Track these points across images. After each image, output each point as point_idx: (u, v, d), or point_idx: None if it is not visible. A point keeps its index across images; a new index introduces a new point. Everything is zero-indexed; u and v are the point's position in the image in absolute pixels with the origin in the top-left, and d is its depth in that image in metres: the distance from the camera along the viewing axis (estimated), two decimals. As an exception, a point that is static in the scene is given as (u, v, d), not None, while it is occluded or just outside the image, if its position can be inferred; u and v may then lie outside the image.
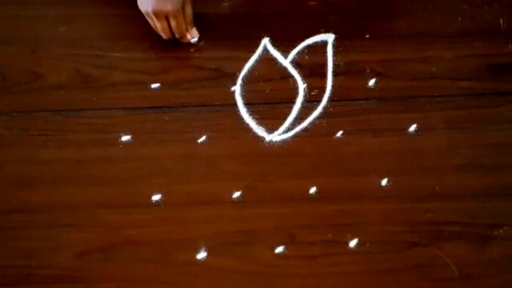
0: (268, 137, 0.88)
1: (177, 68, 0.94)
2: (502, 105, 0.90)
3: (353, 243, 0.80)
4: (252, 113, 0.89)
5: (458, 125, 0.89)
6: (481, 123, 0.89)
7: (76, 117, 0.89)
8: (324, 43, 0.95)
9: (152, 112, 0.90)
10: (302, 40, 0.95)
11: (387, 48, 0.95)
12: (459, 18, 0.97)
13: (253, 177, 0.85)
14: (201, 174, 0.85)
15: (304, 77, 0.92)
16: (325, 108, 0.90)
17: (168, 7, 0.88)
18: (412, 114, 0.89)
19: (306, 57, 0.94)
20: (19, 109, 0.90)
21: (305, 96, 0.91)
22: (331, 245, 0.81)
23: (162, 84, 0.92)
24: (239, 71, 0.93)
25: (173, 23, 0.91)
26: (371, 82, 0.92)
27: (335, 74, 0.93)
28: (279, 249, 0.80)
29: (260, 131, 0.88)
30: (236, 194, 0.84)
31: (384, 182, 0.84)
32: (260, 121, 0.89)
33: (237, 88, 0.91)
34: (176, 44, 0.95)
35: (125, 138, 0.87)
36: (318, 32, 0.96)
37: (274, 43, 0.95)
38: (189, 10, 0.92)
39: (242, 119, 0.89)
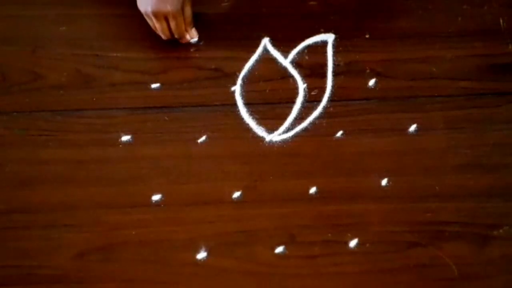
0: (268, 137, 0.88)
1: (177, 68, 0.94)
2: (502, 105, 0.90)
3: (353, 243, 0.80)
4: (252, 113, 0.89)
5: (458, 125, 0.89)
6: (481, 123, 0.89)
7: (76, 117, 0.89)
8: (324, 43, 0.95)
9: (152, 112, 0.90)
10: (302, 40, 0.95)
11: (387, 48, 0.95)
12: (459, 18, 0.97)
13: (253, 177, 0.85)
14: (201, 174, 0.85)
15: (304, 77, 0.92)
16: (325, 108, 0.90)
17: (168, 7, 0.88)
18: (412, 114, 0.89)
19: (306, 57, 0.94)
20: (19, 109, 0.90)
21: (305, 96, 0.91)
22: (331, 245, 0.81)
23: (162, 84, 0.92)
24: (239, 71, 0.93)
25: (172, 24, 0.91)
26: (371, 82, 0.92)
27: (335, 74, 0.93)
28: (279, 249, 0.80)
29: (260, 131, 0.88)
30: (236, 194, 0.84)
31: (384, 182, 0.84)
32: (260, 121, 0.89)
33: (237, 88, 0.91)
34: (176, 44, 0.95)
35: (125, 138, 0.87)
36: (318, 32, 0.96)
37: (274, 43, 0.95)
38: (188, 11, 0.92)
39: (242, 119, 0.89)
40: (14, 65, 0.93)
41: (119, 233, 0.81)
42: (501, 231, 0.81)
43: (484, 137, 0.88)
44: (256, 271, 0.79)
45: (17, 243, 0.81)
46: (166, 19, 0.90)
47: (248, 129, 0.88)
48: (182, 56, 0.94)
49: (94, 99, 0.90)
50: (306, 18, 0.98)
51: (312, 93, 0.91)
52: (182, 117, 0.89)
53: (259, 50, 0.94)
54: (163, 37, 0.93)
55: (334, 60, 0.94)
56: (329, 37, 0.95)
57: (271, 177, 0.85)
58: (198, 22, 0.95)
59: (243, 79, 0.92)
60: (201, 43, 0.95)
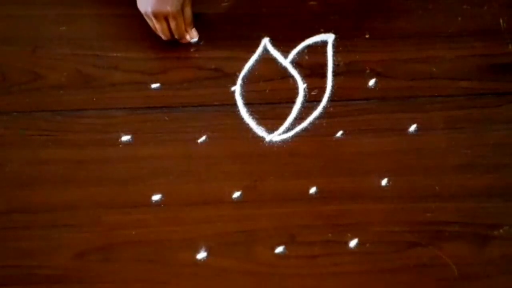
0: (268, 137, 0.88)
1: (177, 68, 0.94)
2: (502, 105, 0.90)
3: (353, 243, 0.80)
4: (252, 113, 0.89)
5: (458, 125, 0.89)
6: (481, 123, 0.89)
7: (76, 117, 0.89)
8: (324, 43, 0.95)
9: (152, 112, 0.90)
10: (302, 40, 0.95)
11: (387, 48, 0.95)
12: (459, 18, 0.97)
13: (253, 177, 0.85)
14: (201, 174, 0.85)
15: (304, 77, 0.92)
16: (325, 108, 0.90)
17: (168, 8, 0.88)
18: (412, 114, 0.89)
19: (306, 57, 0.94)
20: (19, 109, 0.90)
21: (305, 96, 0.91)
22: (331, 245, 0.81)
23: (162, 84, 0.92)
24: (239, 71, 0.93)
25: (172, 24, 0.91)
26: (371, 82, 0.92)
27: (335, 74, 0.93)
28: (279, 249, 0.80)
29: (260, 131, 0.88)
30: (236, 194, 0.84)
31: (384, 182, 0.84)
32: (260, 121, 0.89)
33: (237, 88, 0.91)
34: (176, 44, 0.95)
35: (125, 138, 0.87)
36: (318, 32, 0.96)
37: (274, 43, 0.95)
38: (188, 11, 0.92)
39: (242, 119, 0.89)
40: (14, 65, 0.93)
41: (119, 233, 0.81)
42: (501, 231, 0.81)
43: (484, 137, 0.88)
44: (256, 271, 0.79)
45: (17, 243, 0.81)
46: (166, 20, 0.90)
47: (248, 129, 0.88)
48: (182, 56, 0.94)
49: (94, 99, 0.90)
50: (306, 18, 0.98)
51: (312, 93, 0.91)
52: (182, 117, 0.89)
53: (259, 50, 0.94)
54: (163, 37, 0.93)
55: (334, 60, 0.94)
56: (329, 37, 0.95)
57: (271, 177, 0.85)
58: (198, 22, 0.95)
59: (243, 79, 0.92)
60: (201, 43, 0.95)
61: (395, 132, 0.88)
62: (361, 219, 0.82)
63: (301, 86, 0.92)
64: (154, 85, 0.92)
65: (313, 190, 0.84)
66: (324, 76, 0.92)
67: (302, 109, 0.90)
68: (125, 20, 0.96)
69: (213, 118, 0.89)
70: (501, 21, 0.97)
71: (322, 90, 0.91)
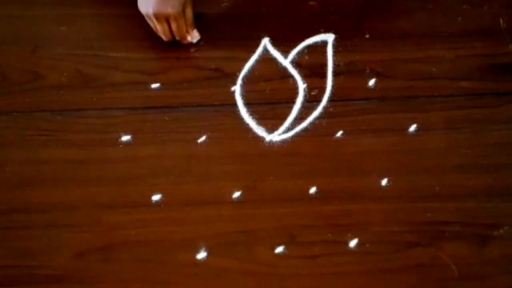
0: (268, 137, 0.88)
1: (177, 68, 0.94)
2: (502, 105, 0.90)
3: (353, 243, 0.80)
4: (252, 113, 0.89)
5: (458, 125, 0.89)
6: (481, 123, 0.89)
7: (76, 117, 0.89)
8: (324, 43, 0.95)
9: (152, 112, 0.90)
10: (302, 40, 0.95)
11: (387, 48, 0.95)
12: (459, 18, 0.97)
13: (253, 177, 0.85)
14: (201, 174, 0.85)
15: (304, 77, 0.92)
16: (325, 108, 0.90)
17: (169, 9, 0.88)
18: (412, 114, 0.89)
19: (306, 57, 0.94)
20: (19, 109, 0.90)
21: (305, 96, 0.91)
22: (331, 245, 0.81)
23: (162, 84, 0.92)
24: (239, 71, 0.93)
25: (173, 25, 0.91)
26: (371, 82, 0.92)
27: (335, 74, 0.93)
28: (279, 249, 0.80)
29: (260, 131, 0.88)
30: (236, 194, 0.84)
31: (384, 182, 0.84)
32: (260, 121, 0.89)
33: (237, 88, 0.91)
34: (176, 44, 0.95)
35: (125, 138, 0.87)
36: (318, 32, 0.96)
37: (274, 43, 0.95)
38: (189, 12, 0.92)
39: (242, 119, 0.89)
40: (14, 65, 0.93)
41: (119, 233, 0.81)
42: (501, 231, 0.81)
43: (484, 137, 0.88)
44: (256, 271, 0.79)
45: (17, 243, 0.81)
46: (167, 21, 0.90)
47: (248, 129, 0.88)
48: (182, 56, 0.94)
49: (94, 99, 0.90)
50: (306, 18, 0.98)
51: (312, 93, 0.91)
52: (182, 117, 0.89)
53: (259, 50, 0.94)
54: (164, 38, 0.93)
55: (334, 60, 0.94)
56: (329, 37, 0.95)
57: (271, 177, 0.85)
58: (198, 22, 0.95)
59: (243, 79, 0.92)
60: (201, 43, 0.95)
61: (395, 132, 0.88)
62: (361, 219, 0.82)
63: (301, 86, 0.92)
64: (154, 85, 0.92)
65: (313, 190, 0.84)
66: (324, 76, 0.92)
67: (302, 109, 0.90)
68: (125, 20, 0.96)
69: (213, 118, 0.89)
70: (501, 21, 0.97)
71: (322, 90, 0.91)
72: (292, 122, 0.89)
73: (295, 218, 0.82)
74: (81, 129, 0.88)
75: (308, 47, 0.95)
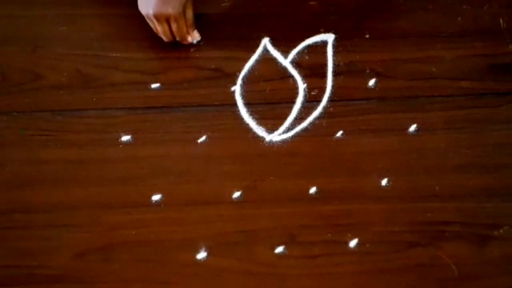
0: (268, 137, 0.88)
1: (177, 68, 0.94)
2: (502, 105, 0.90)
3: (353, 243, 0.80)
4: (252, 113, 0.89)
5: (458, 125, 0.89)
6: (481, 123, 0.89)
7: (76, 117, 0.89)
8: (324, 43, 0.95)
9: (152, 112, 0.90)
10: (302, 40, 0.95)
11: (387, 48, 0.95)
12: (459, 18, 0.97)
13: (253, 177, 0.85)
14: (201, 174, 0.85)
15: (304, 77, 0.92)
16: (325, 108, 0.90)
17: (169, 10, 0.88)
18: (412, 114, 0.89)
19: (306, 57, 0.94)
20: (19, 109, 0.90)
21: (305, 96, 0.91)
22: (331, 245, 0.81)
23: (162, 84, 0.92)
24: (239, 71, 0.93)
25: (174, 26, 0.91)
26: (371, 82, 0.92)
27: (335, 74, 0.93)
28: (279, 249, 0.80)
29: (260, 131, 0.88)
30: (236, 194, 0.84)
31: (384, 182, 0.84)
32: (260, 121, 0.89)
33: (237, 88, 0.91)
34: (176, 44, 0.94)
35: (125, 138, 0.87)
36: (318, 32, 0.96)
37: (274, 43, 0.95)
38: (189, 13, 0.92)
39: (242, 119, 0.89)
40: (14, 65, 0.93)
41: (119, 233, 0.81)
42: (501, 231, 0.81)
43: (484, 137, 0.88)
44: (256, 271, 0.79)
45: (17, 243, 0.81)
46: (168, 22, 0.90)
47: (248, 129, 0.88)
48: (182, 56, 0.94)
49: (94, 99, 0.90)
50: (306, 18, 0.98)
51: (312, 93, 0.91)
52: (182, 117, 0.89)
53: (259, 50, 0.94)
54: (164, 39, 0.93)
55: (334, 60, 0.94)
56: (329, 37, 0.95)
57: (271, 177, 0.85)
58: (198, 22, 0.95)
59: (243, 79, 0.92)
60: (201, 43, 0.95)
61: (395, 132, 0.88)
62: (361, 219, 0.82)
63: (301, 86, 0.92)
64: (154, 85, 0.92)
65: (313, 190, 0.84)
66: (324, 76, 0.92)
67: (302, 109, 0.90)
68: (125, 20, 0.96)
69: (213, 118, 0.89)
70: (501, 21, 0.97)
71: (322, 90, 0.91)
72: (292, 122, 0.89)
73: (295, 218, 0.82)
74: (81, 129, 0.88)
75: (308, 47, 0.95)
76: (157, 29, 0.92)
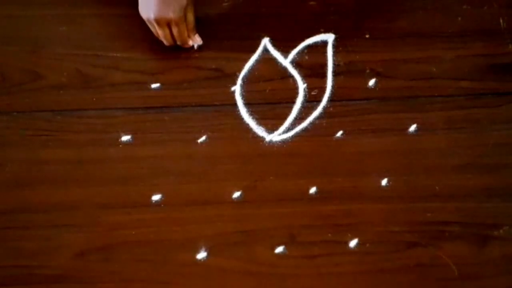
0: (268, 137, 0.88)
1: (177, 68, 0.94)
2: (502, 105, 0.90)
3: (353, 243, 0.80)
4: (252, 113, 0.89)
5: (458, 125, 0.89)
6: (481, 123, 0.89)
7: (76, 117, 0.89)
8: (324, 43, 0.95)
9: (152, 112, 0.90)
10: (302, 40, 0.95)
11: (387, 48, 0.95)
12: (459, 18, 0.97)
13: (253, 177, 0.85)
14: (201, 174, 0.85)
15: (304, 77, 0.92)
16: (325, 108, 0.90)
17: (170, 14, 0.88)
18: (412, 114, 0.89)
19: (306, 57, 0.94)
20: (19, 109, 0.90)
21: (305, 96, 0.91)
22: (331, 245, 0.81)
23: (162, 84, 0.92)
24: (239, 71, 0.93)
25: (175, 30, 0.90)
26: (371, 82, 0.92)
27: (335, 74, 0.93)
28: (279, 249, 0.80)
29: (260, 131, 0.88)
30: (236, 194, 0.84)
31: (384, 182, 0.84)
32: (260, 121, 0.89)
33: (237, 88, 0.91)
34: (177, 46, 0.94)
35: (125, 138, 0.87)
36: (318, 32, 0.96)
37: (274, 43, 0.95)
38: (191, 17, 0.91)
39: (242, 119, 0.89)
40: (14, 65, 0.93)
41: (119, 233, 0.81)
42: (501, 231, 0.81)
43: (484, 137, 0.88)
44: (256, 271, 0.79)
45: (17, 243, 0.81)
46: (169, 26, 0.90)
47: (248, 129, 0.88)
48: (182, 56, 0.94)
49: (94, 99, 0.90)
50: (306, 18, 0.98)
51: (312, 93, 0.91)
52: (182, 117, 0.89)
53: (259, 50, 0.94)
54: (165, 43, 0.93)
55: (334, 60, 0.94)
56: (329, 37, 0.95)
57: (271, 177, 0.85)
58: (198, 22, 0.95)
59: (243, 79, 0.92)
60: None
61: (395, 132, 0.88)
62: (361, 219, 0.82)
63: (301, 86, 0.92)
64: (154, 85, 0.92)
65: (313, 190, 0.84)
66: (324, 76, 0.92)
67: (302, 109, 0.90)
68: (125, 20, 0.96)
69: (213, 118, 0.89)
70: (501, 21, 0.97)
71: (322, 90, 0.91)
72: (292, 122, 0.89)
73: (295, 218, 0.82)
74: (81, 129, 0.88)
75: (308, 47, 0.95)
76: (158, 33, 0.92)
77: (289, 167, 0.86)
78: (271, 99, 0.91)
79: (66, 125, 0.88)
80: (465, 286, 0.79)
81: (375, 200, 0.83)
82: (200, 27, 0.95)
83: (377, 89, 0.91)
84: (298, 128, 0.88)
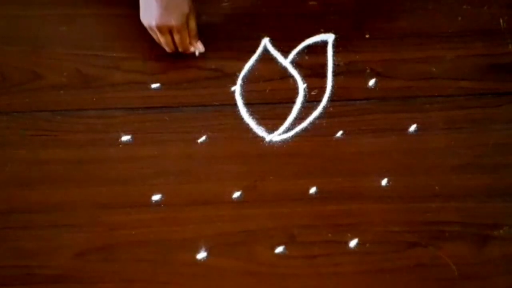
0: (268, 137, 0.88)
1: (177, 68, 0.94)
2: (502, 105, 0.90)
3: (353, 243, 0.80)
4: (252, 113, 0.89)
5: (458, 125, 0.89)
6: (481, 123, 0.89)
7: (76, 117, 0.89)
8: (324, 43, 0.95)
9: (152, 112, 0.90)
10: (302, 40, 0.95)
11: (387, 48, 0.95)
12: (459, 18, 0.97)
13: (253, 177, 0.85)
14: (201, 174, 0.85)
15: (304, 77, 0.92)
16: (325, 108, 0.90)
17: (172, 22, 0.88)
18: (412, 114, 0.89)
19: (306, 57, 0.94)
20: (19, 109, 0.90)
21: (305, 96, 0.91)
22: (331, 245, 0.81)
23: (162, 84, 0.92)
24: (239, 71, 0.93)
25: (176, 38, 0.90)
26: (371, 82, 0.92)
27: (335, 74, 0.93)
28: (279, 249, 0.80)
29: (260, 131, 0.88)
30: (236, 194, 0.84)
31: (384, 182, 0.84)
32: (260, 121, 0.89)
33: (237, 88, 0.91)
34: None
35: (125, 138, 0.87)
36: (318, 32, 0.96)
37: (274, 43, 0.95)
38: (192, 24, 0.91)
39: (242, 119, 0.89)
40: (14, 65, 0.93)
41: (119, 233, 0.81)
42: (501, 231, 0.81)
43: (484, 137, 0.88)
44: (256, 271, 0.79)
45: (17, 243, 0.81)
46: (171, 33, 0.90)
47: (248, 129, 0.88)
48: (182, 56, 0.94)
49: (94, 99, 0.90)
50: (306, 18, 0.98)
51: (312, 93, 0.91)
52: (182, 117, 0.89)
53: (259, 50, 0.94)
54: (167, 50, 0.92)
55: (334, 60, 0.94)
56: (329, 37, 0.95)
57: (271, 177, 0.85)
58: (198, 22, 0.95)
59: (243, 79, 0.92)
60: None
61: (395, 132, 0.88)
62: (361, 219, 0.82)
63: (301, 86, 0.92)
64: (154, 85, 0.92)
65: (313, 190, 0.84)
66: (324, 76, 0.92)
67: (302, 109, 0.90)
68: (125, 20, 0.96)
69: (213, 118, 0.89)
70: (501, 21, 0.97)
71: (322, 90, 0.91)
72: (292, 122, 0.89)
73: (295, 218, 0.82)
74: (81, 129, 0.88)
75: (308, 47, 0.95)
76: (159, 40, 0.91)
77: (289, 167, 0.86)
78: (271, 99, 0.91)
79: (66, 125, 0.88)
80: (465, 286, 0.79)
81: (375, 200, 0.83)
82: (200, 27, 0.95)
83: (377, 89, 0.92)
84: (298, 128, 0.88)
